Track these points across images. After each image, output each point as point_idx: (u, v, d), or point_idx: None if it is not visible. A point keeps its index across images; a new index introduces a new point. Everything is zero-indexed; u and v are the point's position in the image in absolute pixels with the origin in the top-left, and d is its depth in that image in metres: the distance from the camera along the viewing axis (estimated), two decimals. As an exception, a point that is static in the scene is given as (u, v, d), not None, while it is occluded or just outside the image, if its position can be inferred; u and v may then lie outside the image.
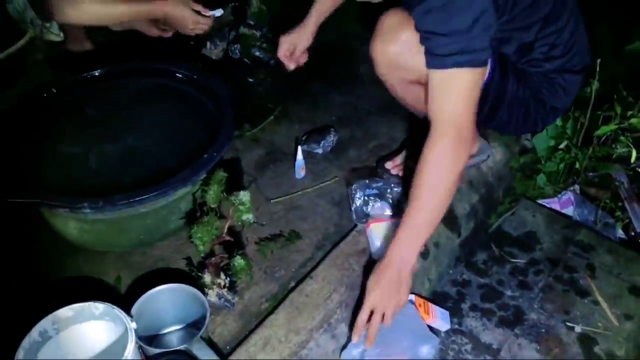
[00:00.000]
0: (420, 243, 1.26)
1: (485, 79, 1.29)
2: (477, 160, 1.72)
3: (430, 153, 1.21)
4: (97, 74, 1.66)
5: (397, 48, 1.35)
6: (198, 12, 1.80)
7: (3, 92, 1.99)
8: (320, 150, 1.78)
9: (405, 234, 1.25)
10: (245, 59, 2.13)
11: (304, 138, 1.81)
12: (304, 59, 1.71)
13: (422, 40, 1.22)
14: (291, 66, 1.69)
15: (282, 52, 1.68)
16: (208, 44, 2.09)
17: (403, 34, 1.33)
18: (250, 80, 2.10)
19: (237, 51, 2.13)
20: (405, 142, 1.78)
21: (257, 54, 2.12)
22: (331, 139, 1.80)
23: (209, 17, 1.86)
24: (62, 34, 2.05)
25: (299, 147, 1.69)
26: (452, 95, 1.21)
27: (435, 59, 1.19)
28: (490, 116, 1.48)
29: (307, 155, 1.73)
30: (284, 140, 1.86)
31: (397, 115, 1.89)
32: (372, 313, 1.24)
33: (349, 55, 2.22)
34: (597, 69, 1.67)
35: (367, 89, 2.03)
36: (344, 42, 2.28)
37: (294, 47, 1.67)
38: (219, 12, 1.91)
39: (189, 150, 1.45)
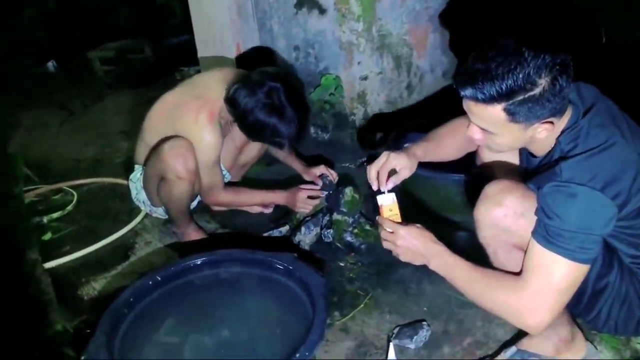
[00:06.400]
0: (447, 274, 1.40)
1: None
2: (584, 368, 1.59)
3: (506, 294, 1.27)
4: (199, 262, 1.76)
5: (501, 211, 1.36)
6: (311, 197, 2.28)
7: (116, 268, 2.17)
8: (412, 346, 1.72)
9: (455, 264, 1.38)
10: (338, 243, 2.19)
11: (395, 331, 1.76)
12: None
13: (540, 213, 1.24)
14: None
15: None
16: (303, 228, 2.19)
17: (507, 199, 1.36)
18: (341, 264, 2.13)
19: (329, 235, 2.20)
20: (504, 345, 1.69)
21: (349, 239, 2.18)
22: (424, 334, 1.74)
23: (316, 198, 2.27)
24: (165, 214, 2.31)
25: (391, 345, 1.64)
26: (545, 277, 1.23)
27: (545, 236, 1.23)
28: (589, 307, 1.43)
29: (398, 350, 1.67)
30: (374, 332, 1.81)
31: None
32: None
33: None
34: None
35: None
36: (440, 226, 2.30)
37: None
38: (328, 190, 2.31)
39: (281, 345, 1.46)
